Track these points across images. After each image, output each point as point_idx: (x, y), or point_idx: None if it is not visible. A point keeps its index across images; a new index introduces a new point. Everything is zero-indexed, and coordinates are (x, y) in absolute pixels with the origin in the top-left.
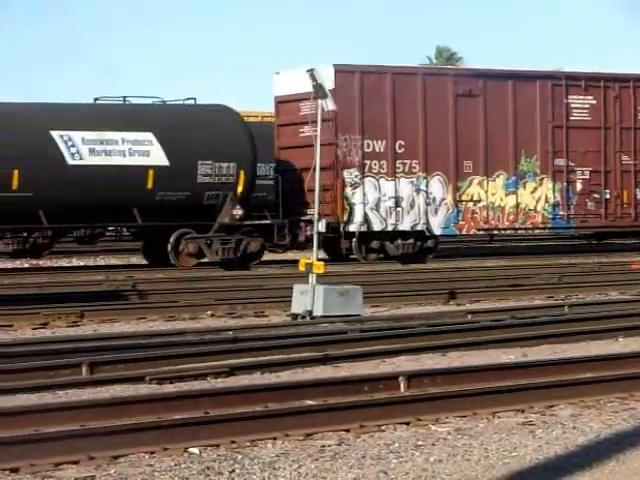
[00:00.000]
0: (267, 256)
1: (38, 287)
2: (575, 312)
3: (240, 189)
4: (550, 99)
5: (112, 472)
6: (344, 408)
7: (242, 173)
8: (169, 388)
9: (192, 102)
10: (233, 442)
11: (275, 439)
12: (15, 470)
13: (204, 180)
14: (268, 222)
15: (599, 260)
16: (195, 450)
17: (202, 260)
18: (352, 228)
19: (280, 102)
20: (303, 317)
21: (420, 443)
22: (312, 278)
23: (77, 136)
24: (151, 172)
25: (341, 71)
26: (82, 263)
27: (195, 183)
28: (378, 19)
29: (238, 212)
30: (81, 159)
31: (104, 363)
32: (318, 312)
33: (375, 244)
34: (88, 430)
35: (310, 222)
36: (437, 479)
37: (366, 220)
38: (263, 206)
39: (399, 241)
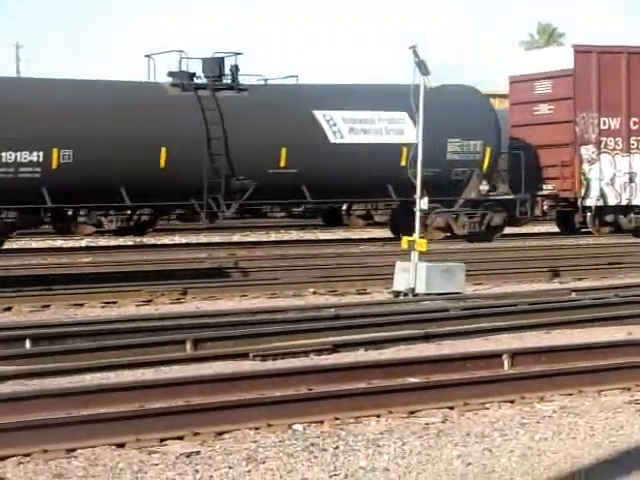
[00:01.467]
0: (368, 234)
1: (141, 264)
2: None
3: (486, 165)
4: None
5: (217, 448)
6: (448, 386)
7: (488, 150)
8: (272, 365)
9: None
10: (337, 419)
11: (379, 416)
12: (121, 445)
13: (453, 157)
14: (511, 197)
15: None
16: (299, 427)
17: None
18: (589, 202)
19: (514, 82)
20: (405, 294)
21: (525, 421)
22: (414, 255)
23: (338, 115)
24: (405, 149)
25: (580, 52)
26: (184, 240)
27: (444, 160)
28: None
29: (484, 187)
30: (342, 137)
31: (207, 340)
32: (420, 289)
33: (610, 218)
34: (193, 406)
35: (547, 197)
36: (542, 457)
37: (602, 195)
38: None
39: (632, 215)
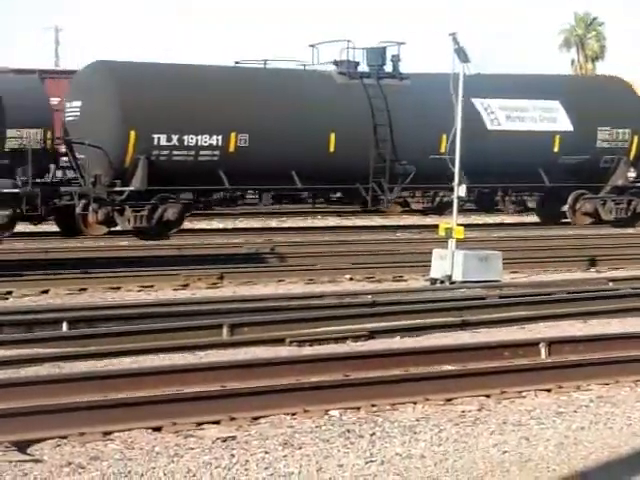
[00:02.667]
0: (404, 220)
1: (178, 249)
2: None
3: (633, 153)
4: None
5: (253, 432)
6: (484, 374)
7: (635, 138)
8: (308, 350)
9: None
10: (373, 405)
11: (415, 403)
12: (158, 429)
13: (602, 145)
14: None
15: None
16: (335, 412)
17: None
18: None
19: None
20: (442, 282)
21: (562, 410)
22: (452, 243)
23: (495, 104)
24: (557, 137)
25: None
26: (222, 226)
27: (594, 147)
28: None
29: (631, 174)
30: (499, 125)
31: (244, 325)
32: (457, 277)
33: None
34: (229, 391)
35: None
36: (579, 446)
37: None
38: None
39: None
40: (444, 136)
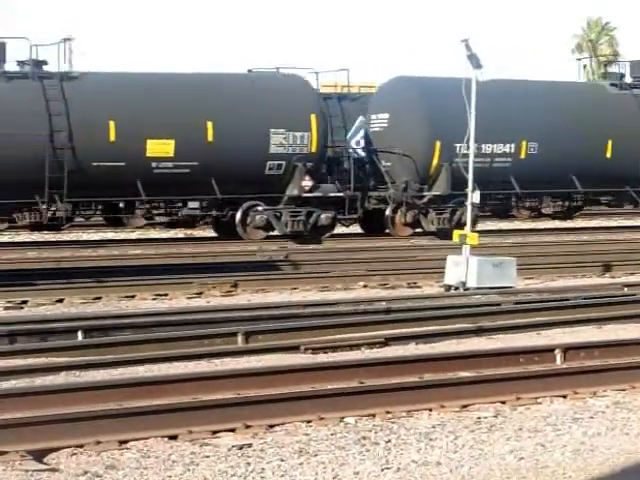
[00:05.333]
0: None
1: (192, 257)
2: None
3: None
4: None
5: (268, 440)
6: (500, 380)
7: None
8: (324, 358)
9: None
10: (388, 412)
11: (431, 410)
12: (174, 437)
13: None
14: None
15: None
16: (351, 420)
17: None
18: None
19: None
20: (456, 288)
21: (578, 416)
22: (466, 249)
23: None
24: None
25: None
26: None
27: None
28: None
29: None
30: None
31: (259, 332)
32: (472, 283)
33: None
34: (245, 398)
35: None
36: (595, 452)
37: None
38: None
39: None
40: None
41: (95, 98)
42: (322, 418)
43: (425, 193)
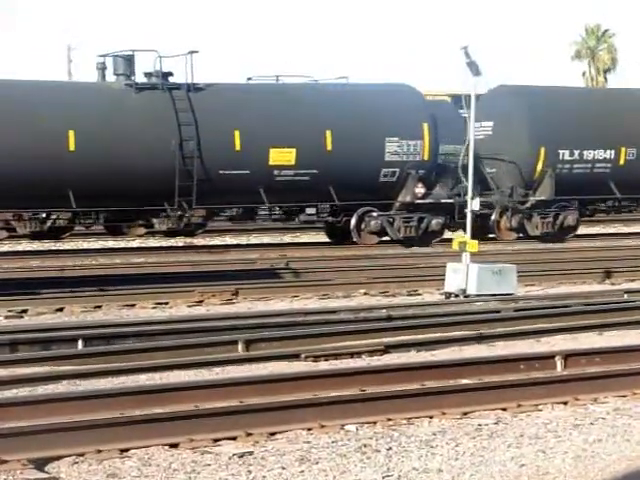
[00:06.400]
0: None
1: (192, 265)
2: None
3: None
4: None
5: (270, 448)
6: (501, 387)
7: None
8: (324, 365)
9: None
10: (389, 420)
11: (432, 417)
12: (175, 445)
13: None
14: None
15: None
16: (352, 427)
17: None
18: None
19: None
20: (457, 296)
21: (578, 423)
22: (466, 257)
23: None
24: None
25: None
26: (235, 242)
27: None
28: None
29: None
30: None
31: (260, 340)
32: (472, 291)
33: None
34: (246, 406)
35: None
36: (596, 459)
37: None
38: None
39: None
40: None
41: (221, 108)
42: (323, 426)
43: (530, 198)
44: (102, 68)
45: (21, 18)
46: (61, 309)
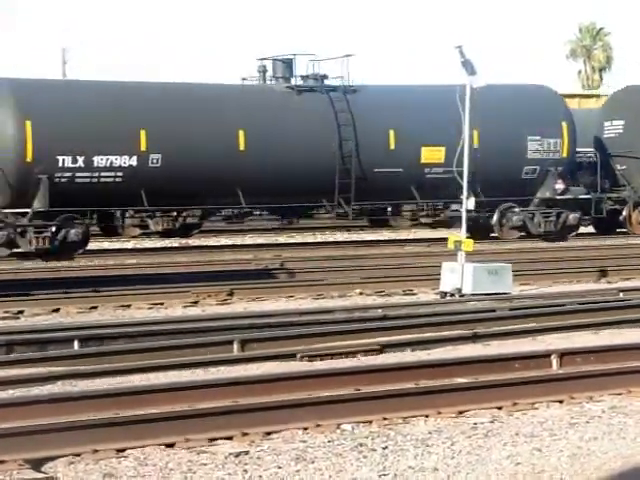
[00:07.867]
0: (413, 234)
1: (187, 266)
2: None
3: None
4: None
5: (265, 448)
6: (496, 386)
7: None
8: (320, 365)
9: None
10: (385, 419)
11: (427, 416)
12: (170, 445)
13: None
14: None
15: None
16: (348, 426)
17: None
18: None
19: None
20: (452, 295)
21: (574, 421)
22: (461, 256)
23: None
24: None
25: None
26: (230, 242)
27: None
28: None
29: None
30: None
31: (255, 340)
32: (467, 290)
33: None
34: (241, 406)
35: None
36: (592, 457)
37: None
38: None
39: None
40: None
41: (376, 109)
42: (319, 425)
43: None
44: (263, 71)
45: (21, 18)
46: (57, 310)
